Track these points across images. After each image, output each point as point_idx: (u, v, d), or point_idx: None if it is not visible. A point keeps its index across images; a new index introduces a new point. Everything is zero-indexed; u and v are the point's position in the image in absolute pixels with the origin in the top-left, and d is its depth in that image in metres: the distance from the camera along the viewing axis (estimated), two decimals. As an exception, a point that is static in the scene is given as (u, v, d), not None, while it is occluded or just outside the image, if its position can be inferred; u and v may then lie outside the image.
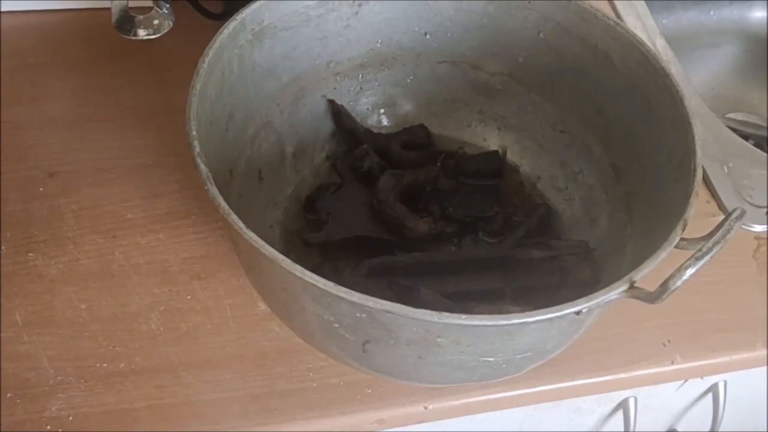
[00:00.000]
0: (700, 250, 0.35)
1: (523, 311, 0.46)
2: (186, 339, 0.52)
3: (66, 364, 0.50)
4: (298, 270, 0.36)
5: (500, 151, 0.60)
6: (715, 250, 0.35)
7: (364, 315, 0.37)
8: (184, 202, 0.59)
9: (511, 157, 0.60)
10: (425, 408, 0.50)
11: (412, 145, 0.60)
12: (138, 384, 0.50)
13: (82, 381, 0.49)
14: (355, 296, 0.35)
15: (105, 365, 0.50)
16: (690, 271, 0.34)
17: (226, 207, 0.40)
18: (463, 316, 0.35)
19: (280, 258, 0.37)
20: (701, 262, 0.34)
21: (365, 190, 0.57)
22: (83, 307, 0.53)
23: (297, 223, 0.56)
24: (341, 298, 0.36)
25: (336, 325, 0.40)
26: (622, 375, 0.53)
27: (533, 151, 0.60)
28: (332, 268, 0.52)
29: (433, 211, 0.56)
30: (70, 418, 0.48)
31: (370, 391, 0.50)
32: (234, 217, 0.39)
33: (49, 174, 0.60)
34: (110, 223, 0.57)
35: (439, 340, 0.38)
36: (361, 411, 0.49)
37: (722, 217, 0.61)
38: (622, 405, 0.61)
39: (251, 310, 0.53)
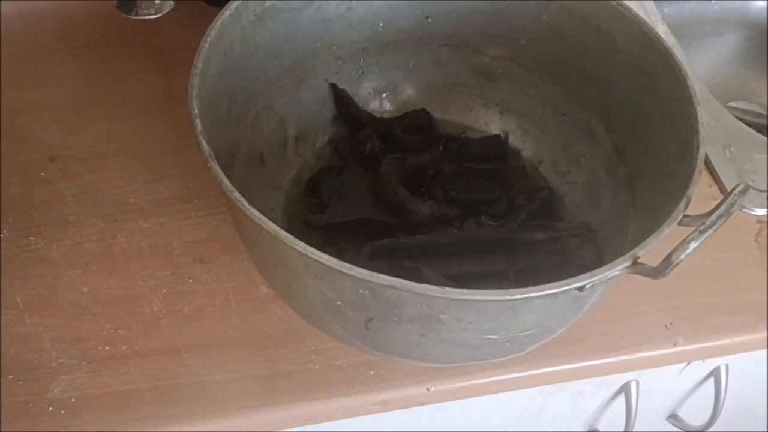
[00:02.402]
0: (703, 223, 0.35)
1: (525, 292, 0.46)
2: (189, 321, 0.52)
3: (68, 347, 0.50)
4: (301, 246, 0.36)
5: (502, 135, 0.60)
6: (718, 223, 0.35)
7: (367, 291, 0.37)
8: (186, 187, 0.59)
9: (513, 141, 0.60)
10: (428, 390, 0.50)
11: (414, 129, 0.60)
12: (141, 366, 0.50)
13: (84, 363, 0.50)
14: (358, 272, 0.35)
15: (107, 348, 0.50)
16: (693, 245, 0.34)
17: (229, 184, 0.39)
18: (466, 291, 0.35)
19: (283, 234, 0.37)
20: (705, 236, 0.34)
21: (367, 173, 0.57)
22: (85, 290, 0.53)
23: (299, 206, 0.56)
24: (344, 273, 0.36)
25: (339, 302, 0.40)
26: (625, 357, 0.53)
27: (535, 135, 0.60)
28: (334, 251, 0.52)
29: (436, 194, 0.56)
30: (73, 399, 0.48)
31: (372, 372, 0.50)
32: (237, 195, 0.39)
33: (50, 158, 0.60)
34: (112, 207, 0.58)
35: (441, 316, 0.38)
36: (363, 393, 0.49)
37: (725, 200, 0.61)
38: (624, 389, 0.61)
39: (254, 293, 0.53)
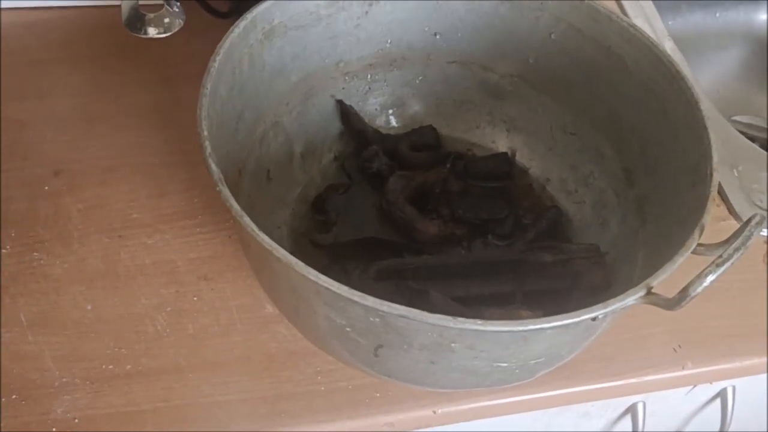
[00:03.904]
0: (720, 256, 0.34)
1: (534, 315, 0.46)
2: (193, 340, 0.51)
3: (71, 366, 0.50)
4: (312, 273, 0.36)
5: (509, 153, 0.60)
6: (735, 256, 0.34)
7: (377, 319, 0.37)
8: (191, 202, 0.58)
9: (521, 159, 0.60)
10: (434, 412, 0.49)
11: (420, 146, 0.60)
12: (144, 386, 0.49)
13: (87, 383, 0.49)
14: (370, 300, 0.35)
15: (111, 367, 0.50)
16: (710, 278, 0.34)
17: (239, 209, 0.39)
18: (479, 322, 0.34)
19: (294, 261, 0.36)
20: (722, 269, 0.34)
21: (374, 191, 0.56)
22: (89, 307, 0.52)
23: (305, 223, 0.55)
24: (355, 302, 0.35)
25: (348, 329, 0.39)
26: (632, 380, 0.52)
27: (543, 154, 0.59)
28: (341, 270, 0.52)
29: (443, 213, 0.56)
30: (76, 420, 0.47)
31: (378, 395, 0.49)
32: (246, 219, 0.39)
33: (55, 172, 0.59)
34: (116, 222, 0.57)
35: (453, 345, 0.37)
36: (369, 415, 0.49)
37: (733, 221, 0.61)
38: (631, 410, 0.61)
39: (258, 312, 0.53)
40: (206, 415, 0.48)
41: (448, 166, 0.57)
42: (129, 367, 0.50)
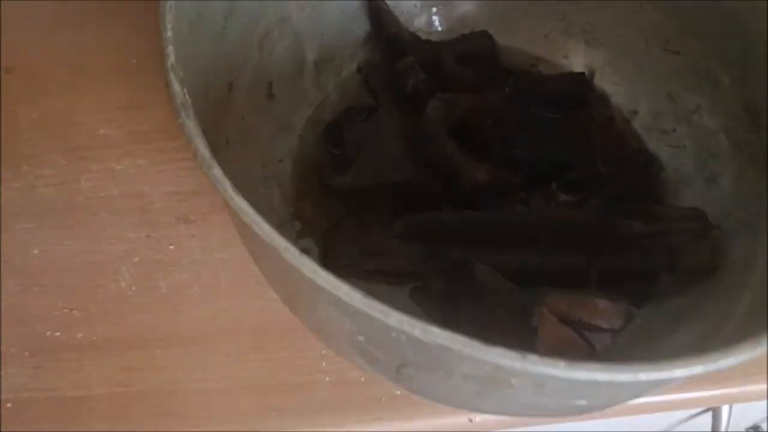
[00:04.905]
0: None
1: (615, 309, 0.35)
2: (165, 304, 0.41)
3: (8, 331, 0.39)
4: (308, 267, 0.24)
5: (587, 74, 0.47)
6: None
7: (403, 337, 0.25)
8: (172, 119, 0.46)
9: (601, 81, 0.47)
10: (470, 420, 0.38)
11: (471, 59, 0.47)
12: (99, 363, 0.39)
13: (27, 354, 0.39)
14: (394, 319, 0.23)
15: (58, 334, 0.40)
16: None
17: (207, 155, 0.27)
18: (562, 365, 0.22)
19: (284, 246, 0.24)
20: None
21: (406, 118, 0.44)
22: (35, 252, 0.42)
23: (315, 157, 0.44)
24: (373, 317, 0.23)
25: (361, 338, 0.28)
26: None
27: (631, 76, 0.47)
28: (357, 225, 0.40)
29: (495, 152, 0.43)
30: (9, 404, 0.38)
31: (399, 393, 0.38)
32: (216, 171, 0.26)
33: (6, 69, 0.49)
34: (78, 139, 0.46)
35: (513, 380, 0.25)
36: (387, 419, 0.38)
37: None
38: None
39: (250, 270, 0.41)
40: (175, 407, 0.38)
41: (507, 89, 0.44)
42: (81, 335, 0.40)
